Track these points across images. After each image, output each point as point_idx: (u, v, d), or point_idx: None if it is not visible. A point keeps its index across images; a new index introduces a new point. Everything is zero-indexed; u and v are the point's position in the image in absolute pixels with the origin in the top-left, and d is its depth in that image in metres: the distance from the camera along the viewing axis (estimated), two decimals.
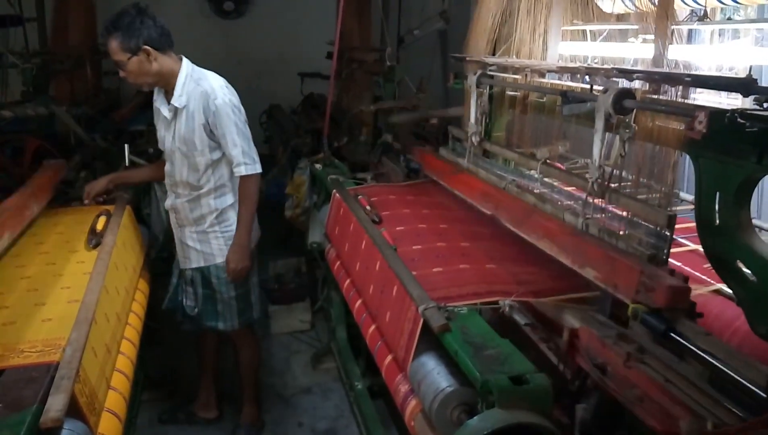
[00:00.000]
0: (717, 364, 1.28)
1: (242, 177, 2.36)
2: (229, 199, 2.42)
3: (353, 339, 3.01)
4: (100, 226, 2.28)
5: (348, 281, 2.47)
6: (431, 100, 4.17)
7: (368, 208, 2.56)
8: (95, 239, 2.19)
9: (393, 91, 4.31)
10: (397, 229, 2.41)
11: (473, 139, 2.70)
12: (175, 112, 2.31)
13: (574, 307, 1.72)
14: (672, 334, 1.40)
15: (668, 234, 1.65)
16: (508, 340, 1.64)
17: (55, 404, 1.29)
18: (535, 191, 2.27)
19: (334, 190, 2.87)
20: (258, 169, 2.37)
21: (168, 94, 2.33)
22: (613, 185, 1.88)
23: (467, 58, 2.87)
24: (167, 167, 2.44)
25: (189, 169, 2.35)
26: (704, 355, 1.31)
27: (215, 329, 2.53)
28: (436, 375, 1.67)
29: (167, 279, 2.72)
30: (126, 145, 3.02)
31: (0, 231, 1.98)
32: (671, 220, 1.63)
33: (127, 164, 3.00)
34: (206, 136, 2.29)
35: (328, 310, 3.31)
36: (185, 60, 2.31)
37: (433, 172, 2.91)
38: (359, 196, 2.70)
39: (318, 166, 3.37)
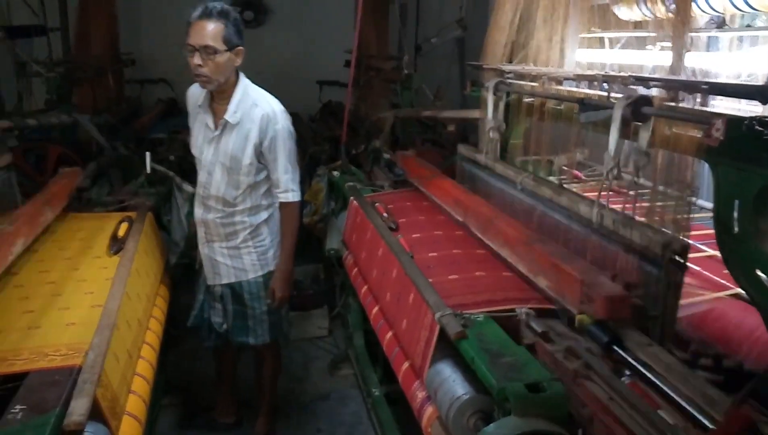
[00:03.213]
0: (654, 380, 1.27)
1: (287, 204, 2.34)
2: (263, 215, 2.38)
3: (370, 346, 3.02)
4: (121, 233, 2.32)
5: (365, 288, 2.49)
6: (448, 107, 4.19)
7: (385, 215, 2.58)
8: (117, 245, 2.22)
9: (410, 98, 4.34)
10: (414, 236, 2.42)
11: (489, 146, 2.70)
12: (224, 126, 2.25)
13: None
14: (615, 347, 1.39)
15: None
16: (525, 347, 1.65)
17: (78, 408, 1.32)
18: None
19: (352, 198, 2.89)
20: (299, 197, 2.38)
21: (215, 103, 2.28)
22: (630, 192, 1.87)
23: (484, 66, 2.88)
24: (203, 177, 2.35)
25: (228, 186, 2.29)
26: (642, 369, 1.30)
27: (245, 344, 2.51)
28: (452, 382, 1.68)
29: (187, 285, 2.75)
30: (147, 153, 3.06)
31: (14, 237, 2.00)
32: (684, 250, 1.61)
33: (148, 171, 3.04)
34: (255, 157, 2.25)
35: (346, 316, 3.33)
36: (242, 75, 2.27)
37: (415, 178, 2.92)
38: (376, 204, 2.72)
39: (336, 173, 3.39)
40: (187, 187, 3.18)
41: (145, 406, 1.76)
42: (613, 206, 1.86)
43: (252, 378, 2.73)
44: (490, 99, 2.73)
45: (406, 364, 1.96)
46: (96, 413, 1.42)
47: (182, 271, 2.88)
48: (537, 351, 1.61)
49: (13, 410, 1.33)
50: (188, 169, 3.83)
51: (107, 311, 1.73)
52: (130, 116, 4.88)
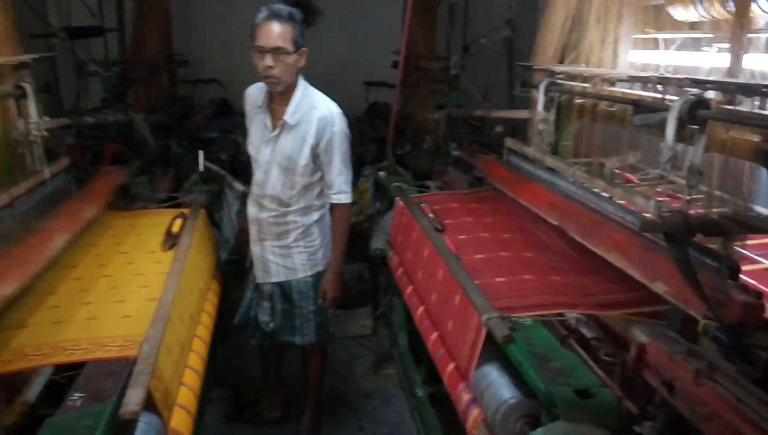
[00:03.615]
0: None
1: (339, 205, 2.37)
2: (315, 216, 2.40)
3: (414, 346, 3.02)
4: (176, 229, 2.38)
5: (410, 288, 2.49)
6: (496, 108, 4.15)
7: (431, 216, 2.58)
8: (171, 241, 2.29)
9: (458, 99, 4.31)
10: (460, 237, 2.41)
11: (540, 147, 2.67)
12: (282, 127, 2.28)
13: (643, 322, 1.68)
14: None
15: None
16: (574, 353, 1.63)
17: (134, 397, 1.37)
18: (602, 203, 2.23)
19: (398, 198, 2.90)
20: (352, 199, 2.41)
21: (274, 104, 2.31)
22: (686, 198, 1.83)
23: (535, 67, 2.85)
24: (259, 176, 2.39)
25: (284, 186, 2.33)
26: None
27: (292, 344, 2.54)
28: (498, 386, 1.67)
29: (236, 282, 2.80)
30: (201, 152, 3.13)
31: (52, 233, 2.05)
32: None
33: (201, 169, 3.11)
34: (311, 158, 2.28)
35: (390, 316, 3.34)
36: (301, 77, 2.29)
37: (498, 181, 2.89)
38: (422, 204, 2.72)
39: (382, 173, 3.41)
40: (238, 186, 3.25)
41: (196, 399, 1.80)
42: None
43: (298, 373, 2.77)
44: (541, 100, 2.70)
45: (451, 366, 1.96)
46: (149, 404, 1.47)
47: (231, 267, 2.94)
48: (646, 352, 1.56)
49: (72, 397, 1.39)
50: (238, 168, 3.93)
51: (162, 305, 1.78)
52: (183, 115, 4.99)
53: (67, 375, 1.54)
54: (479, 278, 2.01)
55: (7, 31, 2.34)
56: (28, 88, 2.36)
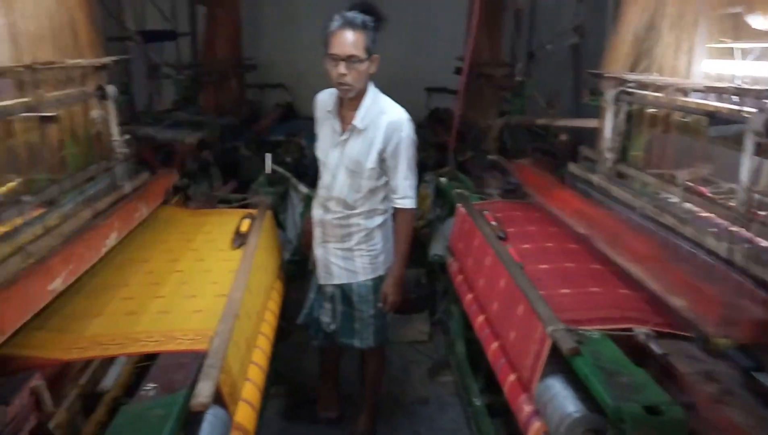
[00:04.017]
0: None
1: (403, 210, 2.38)
2: (378, 220, 2.42)
3: (472, 354, 3.00)
4: (244, 228, 2.45)
5: (470, 296, 2.48)
6: (561, 116, 4.08)
7: (494, 223, 2.55)
8: (240, 240, 2.35)
9: (521, 106, 4.27)
10: (523, 246, 2.38)
11: (607, 157, 2.61)
12: (351, 131, 2.31)
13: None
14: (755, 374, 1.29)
15: None
16: (643, 369, 1.58)
17: (204, 390, 1.41)
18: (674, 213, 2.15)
19: (459, 205, 2.89)
20: (416, 204, 2.42)
21: (344, 109, 2.34)
22: (762, 213, 1.75)
23: (605, 74, 2.79)
24: (326, 179, 2.42)
25: (350, 189, 2.36)
26: None
27: (351, 346, 2.57)
28: (562, 399, 1.64)
29: (297, 282, 2.85)
30: (268, 155, 3.21)
31: (107, 231, 2.11)
32: None
33: (268, 171, 3.19)
34: (378, 162, 2.30)
35: (447, 323, 3.32)
36: (371, 83, 2.32)
37: (531, 188, 2.84)
38: (484, 212, 2.70)
39: (443, 179, 3.40)
40: (302, 188, 3.31)
41: (259, 394, 1.85)
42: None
43: (355, 374, 2.80)
44: (611, 108, 2.64)
45: (512, 377, 1.93)
46: (217, 397, 1.50)
47: (293, 268, 2.99)
48: (660, 373, 1.54)
49: (145, 388, 1.45)
50: (302, 171, 4.00)
51: (231, 301, 1.83)
52: (250, 119, 5.13)
53: (140, 365, 1.60)
54: (544, 289, 1.98)
55: (91, 34, 2.46)
56: (110, 89, 2.48)
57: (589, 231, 2.21)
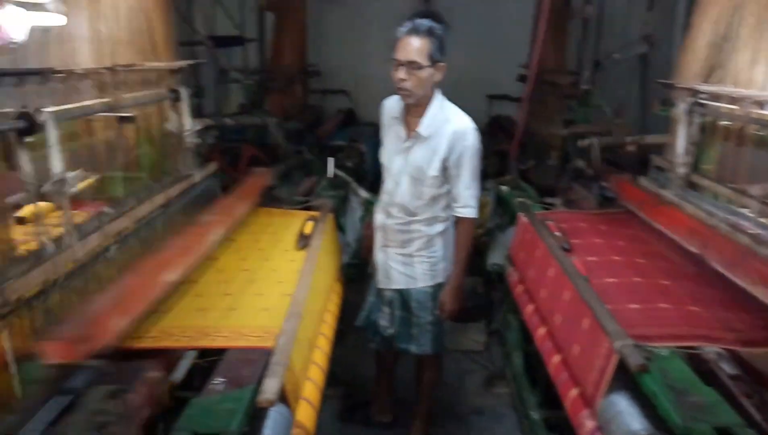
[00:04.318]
0: None
1: (464, 219, 2.37)
2: (439, 227, 2.42)
3: (529, 366, 2.95)
4: (308, 230, 2.50)
5: (531, 307, 2.44)
6: (627, 126, 3.98)
7: (558, 234, 2.51)
8: (304, 241, 2.40)
9: (586, 115, 4.19)
10: (589, 259, 2.33)
11: (680, 170, 2.54)
12: (416, 138, 2.31)
13: None
14: None
15: None
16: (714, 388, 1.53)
17: (270, 387, 1.44)
18: (749, 231, 2.07)
19: (521, 214, 2.85)
20: (477, 214, 2.40)
21: (409, 115, 2.34)
22: None
23: (677, 85, 2.71)
24: (389, 185, 2.43)
25: (412, 196, 2.36)
26: None
27: (407, 352, 2.57)
28: (627, 416, 1.60)
29: (354, 285, 2.87)
30: (331, 159, 3.26)
31: (211, 226, 2.22)
32: None
33: (330, 175, 3.23)
34: (441, 170, 2.29)
35: (504, 333, 3.28)
36: (438, 90, 2.31)
37: (632, 202, 2.76)
38: (548, 222, 2.66)
39: (504, 188, 3.36)
40: (363, 193, 3.35)
41: (319, 394, 1.87)
42: None
43: (410, 379, 2.80)
44: (683, 120, 2.56)
45: (574, 391, 1.89)
46: (281, 395, 1.54)
47: (351, 270, 3.02)
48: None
49: (214, 382, 1.49)
50: (362, 176, 4.04)
51: (295, 301, 1.87)
52: (312, 123, 5.22)
53: (208, 360, 1.65)
54: (610, 303, 1.93)
55: (167, 38, 2.56)
56: (183, 91, 2.57)
57: (703, 251, 2.12)
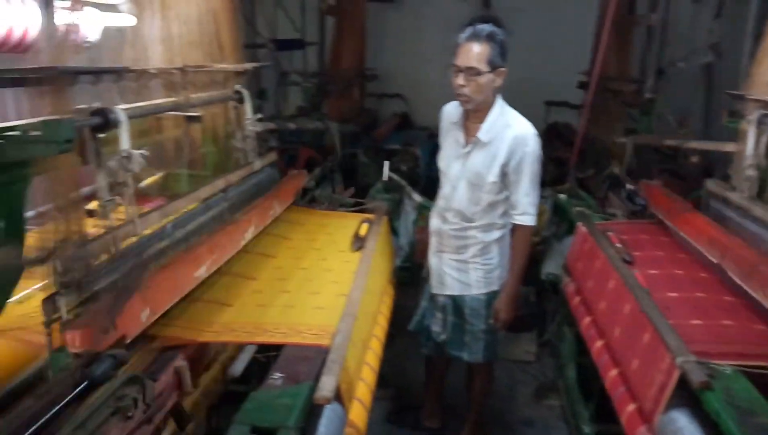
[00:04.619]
0: None
1: (522, 226, 2.34)
2: (496, 234, 2.40)
3: (581, 379, 2.89)
4: (363, 232, 2.52)
5: (588, 319, 2.39)
6: (691, 136, 3.86)
7: (618, 245, 2.46)
8: (359, 243, 2.42)
9: (649, 124, 4.08)
10: (650, 271, 2.27)
11: (748, 184, 2.44)
12: (475, 144, 2.30)
13: None
14: None
15: None
16: None
17: (327, 384, 1.46)
18: None
19: (580, 223, 2.80)
20: (535, 221, 2.37)
21: (469, 121, 2.34)
22: None
23: (748, 96, 2.61)
24: (446, 190, 2.43)
25: (469, 201, 2.35)
26: None
27: (459, 358, 2.56)
28: (688, 433, 1.55)
29: (406, 288, 2.87)
30: (386, 162, 3.28)
31: (246, 225, 2.26)
32: None
33: (385, 179, 3.25)
34: (500, 176, 2.28)
35: (557, 345, 3.22)
36: (499, 96, 2.30)
37: (660, 211, 2.68)
38: (608, 232, 2.60)
39: (562, 196, 3.31)
40: (416, 197, 3.35)
41: (371, 395, 1.88)
42: None
43: (461, 386, 2.78)
44: (752, 132, 2.47)
45: (631, 406, 1.85)
46: (336, 393, 1.56)
47: (403, 274, 3.03)
48: None
49: (273, 377, 1.52)
50: (416, 180, 4.05)
51: (351, 301, 1.89)
52: (368, 126, 5.27)
53: (267, 354, 1.69)
54: (672, 318, 1.88)
55: (234, 41, 2.63)
56: (246, 93, 2.64)
57: (721, 260, 2.07)
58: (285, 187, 2.84)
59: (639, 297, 1.99)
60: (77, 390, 1.26)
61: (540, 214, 3.38)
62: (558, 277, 2.98)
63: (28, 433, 1.12)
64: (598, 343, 2.21)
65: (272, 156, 2.84)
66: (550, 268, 3.16)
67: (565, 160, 4.37)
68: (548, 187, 3.66)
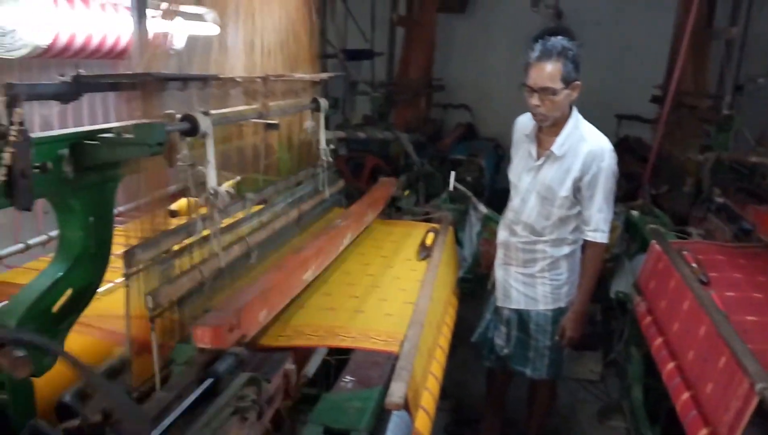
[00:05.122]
0: None
1: (594, 243, 2.30)
2: (566, 250, 2.36)
3: (648, 401, 2.80)
4: (429, 241, 2.54)
5: (660, 340, 2.32)
6: None
7: (694, 265, 2.38)
8: (425, 252, 2.44)
9: (726, 141, 3.93)
10: (727, 294, 2.19)
11: None
12: (547, 157, 2.28)
13: None
14: None
15: None
16: None
17: (397, 390, 1.48)
18: None
19: (654, 241, 2.72)
20: (608, 239, 2.32)
21: (542, 134, 2.31)
22: None
23: None
24: (516, 203, 2.40)
25: (539, 215, 2.32)
26: None
27: (522, 374, 2.53)
28: None
29: (468, 300, 2.86)
30: (453, 172, 3.28)
31: (345, 231, 2.33)
32: None
33: (450, 189, 3.26)
34: (572, 191, 2.24)
35: (624, 365, 3.13)
36: (575, 108, 2.28)
37: None
38: (683, 252, 2.52)
39: (635, 213, 3.22)
40: (482, 208, 3.33)
41: (435, 404, 1.89)
42: None
43: (523, 401, 2.75)
44: None
45: (704, 431, 1.78)
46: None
47: (466, 285, 3.01)
48: None
49: (344, 380, 1.56)
50: (480, 191, 4.03)
51: (418, 309, 1.91)
52: (433, 136, 5.29)
53: (337, 358, 1.72)
54: (751, 342, 1.80)
55: (311, 51, 2.70)
56: (322, 102, 2.70)
57: None
58: (376, 194, 2.89)
59: (715, 319, 1.93)
60: (202, 387, 1.33)
61: (612, 231, 3.31)
62: (628, 296, 2.91)
63: (163, 424, 1.19)
64: (670, 365, 2.15)
65: (341, 184, 2.92)
66: (620, 286, 3.08)
67: (636, 175, 4.26)
68: (619, 202, 3.57)
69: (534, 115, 2.24)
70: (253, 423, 1.26)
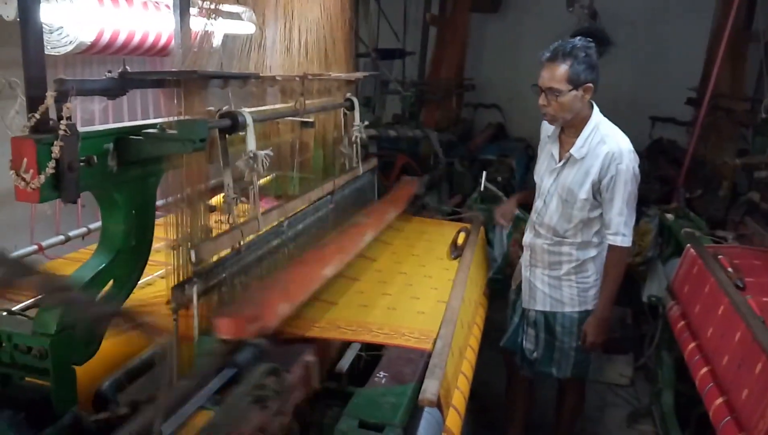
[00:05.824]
0: None
1: (615, 247, 2.27)
2: (592, 252, 2.34)
3: (679, 406, 2.77)
4: (460, 241, 2.55)
5: (693, 345, 2.30)
6: None
7: (730, 270, 2.35)
8: (457, 252, 2.46)
9: (763, 145, 3.86)
10: (764, 299, 2.16)
11: None
12: (567, 159, 2.28)
13: None
14: None
15: None
16: None
17: (431, 387, 1.50)
18: None
19: (689, 245, 2.69)
20: (630, 242, 2.29)
21: (564, 135, 2.32)
22: None
23: None
24: (539, 205, 2.41)
25: (561, 217, 2.32)
26: None
27: (549, 375, 2.52)
28: None
29: (496, 300, 2.86)
30: (484, 172, 3.28)
31: (365, 228, 2.34)
32: None
33: (481, 189, 3.26)
34: (592, 194, 2.23)
35: (655, 369, 3.10)
36: (596, 108, 2.27)
37: None
38: (719, 256, 2.49)
39: (669, 216, 3.18)
40: None
41: (465, 404, 1.90)
42: None
43: (551, 403, 2.73)
44: None
45: None
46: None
47: (494, 286, 3.00)
48: None
49: (378, 375, 1.58)
50: (511, 191, 4.01)
51: (450, 308, 1.93)
52: (463, 136, 5.28)
53: (369, 353, 1.74)
54: None
55: (346, 50, 2.73)
56: (356, 100, 2.73)
57: None
58: (399, 193, 2.91)
59: (752, 325, 1.91)
60: (224, 377, 1.35)
61: (645, 234, 3.29)
62: (661, 300, 2.88)
63: (183, 409, 1.22)
64: (704, 370, 2.13)
65: (373, 161, 2.92)
66: (653, 290, 3.06)
67: (670, 178, 4.21)
68: (654, 205, 3.53)
69: (543, 115, 2.26)
70: (274, 412, 1.29)
